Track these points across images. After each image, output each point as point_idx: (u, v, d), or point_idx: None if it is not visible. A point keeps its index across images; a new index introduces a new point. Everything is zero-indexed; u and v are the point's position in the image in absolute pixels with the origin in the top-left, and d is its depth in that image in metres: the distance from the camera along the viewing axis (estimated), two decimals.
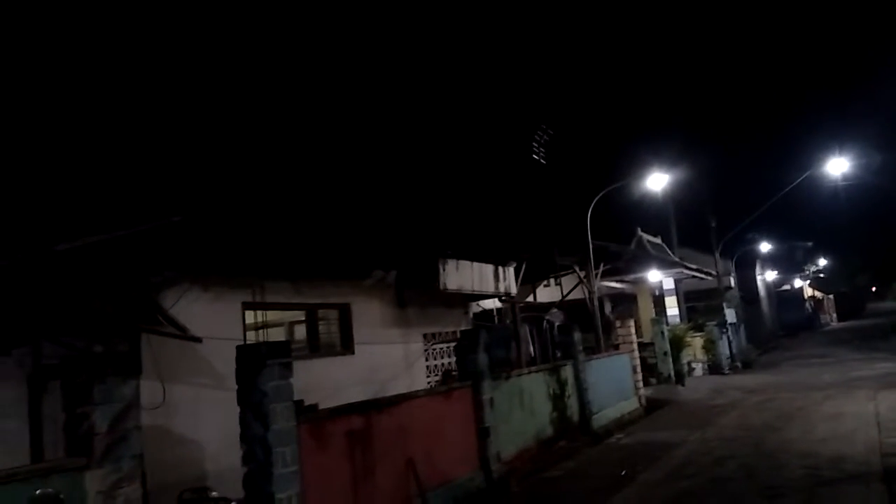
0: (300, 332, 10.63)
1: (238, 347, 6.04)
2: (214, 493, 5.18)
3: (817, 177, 25.48)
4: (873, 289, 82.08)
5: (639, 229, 25.68)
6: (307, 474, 6.16)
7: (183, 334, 6.78)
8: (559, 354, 14.48)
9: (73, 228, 5.63)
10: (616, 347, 16.63)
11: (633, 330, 17.13)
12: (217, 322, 7.65)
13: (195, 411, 7.25)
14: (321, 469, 6.44)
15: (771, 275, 49.21)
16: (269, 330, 10.04)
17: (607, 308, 20.23)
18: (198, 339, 6.86)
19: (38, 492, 4.01)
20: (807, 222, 72.75)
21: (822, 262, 67.88)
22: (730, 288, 32.30)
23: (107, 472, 4.50)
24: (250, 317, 8.79)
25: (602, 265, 17.63)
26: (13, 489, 4.02)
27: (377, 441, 7.28)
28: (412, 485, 7.61)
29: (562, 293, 18.40)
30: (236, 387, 5.98)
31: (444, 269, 11.06)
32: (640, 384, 16.26)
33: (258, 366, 5.90)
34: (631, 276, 22.32)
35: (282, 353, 6.13)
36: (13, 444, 5.61)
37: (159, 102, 7.45)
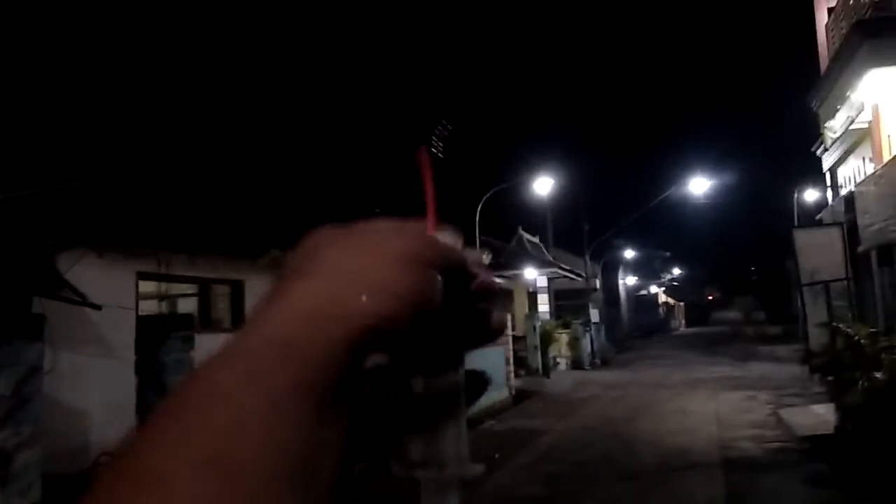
0: (183, 306, 10.43)
1: (140, 318, 6.01)
2: None
3: (680, 193, 27.81)
4: (715, 299, 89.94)
5: (520, 228, 26.81)
6: None
7: (82, 301, 6.59)
8: None
9: None
10: None
11: (508, 323, 18.06)
12: (110, 290, 7.43)
13: (82, 380, 7.05)
14: None
15: (631, 279, 52.68)
16: (148, 302, 9.79)
17: None
18: (98, 307, 6.68)
19: None
20: (666, 233, 78.69)
21: (677, 271, 73.45)
22: (595, 289, 34.38)
23: (7, 436, 4.41)
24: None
25: None
26: None
27: None
28: None
29: None
30: (128, 356, 5.95)
31: None
32: (512, 375, 17.19)
33: (161, 337, 5.91)
34: (509, 272, 23.35)
35: (185, 326, 6.17)
36: None
37: (65, 64, 7.13)
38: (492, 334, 0.45)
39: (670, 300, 69.42)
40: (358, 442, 0.38)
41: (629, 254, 46.32)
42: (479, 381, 0.47)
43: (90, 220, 7.12)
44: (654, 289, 62.40)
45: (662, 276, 66.31)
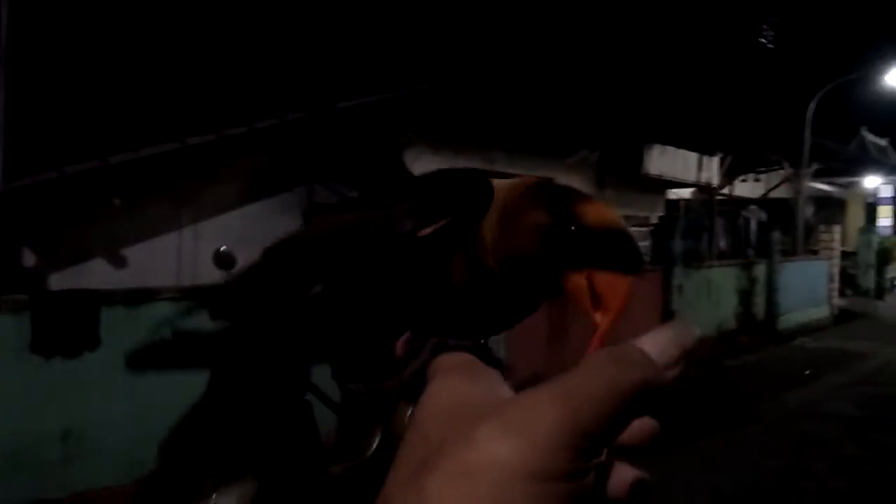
0: None
1: None
2: None
3: None
4: None
5: (863, 128, 23.26)
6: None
7: None
8: (752, 252, 14.23)
9: (343, 89, 6.59)
10: (814, 253, 15.95)
11: (837, 237, 16.25)
12: None
13: None
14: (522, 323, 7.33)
15: None
16: None
17: (810, 211, 19.13)
18: None
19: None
20: None
21: None
22: None
23: None
24: None
25: (814, 164, 16.54)
26: None
27: (570, 307, 8.03)
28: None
29: (766, 188, 17.65)
30: None
31: (648, 154, 11.20)
32: (835, 293, 15.63)
33: None
34: (844, 180, 20.70)
35: None
36: None
37: None
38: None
39: None
40: None
41: None
42: None
43: (428, 121, 8.20)
44: None
45: None
